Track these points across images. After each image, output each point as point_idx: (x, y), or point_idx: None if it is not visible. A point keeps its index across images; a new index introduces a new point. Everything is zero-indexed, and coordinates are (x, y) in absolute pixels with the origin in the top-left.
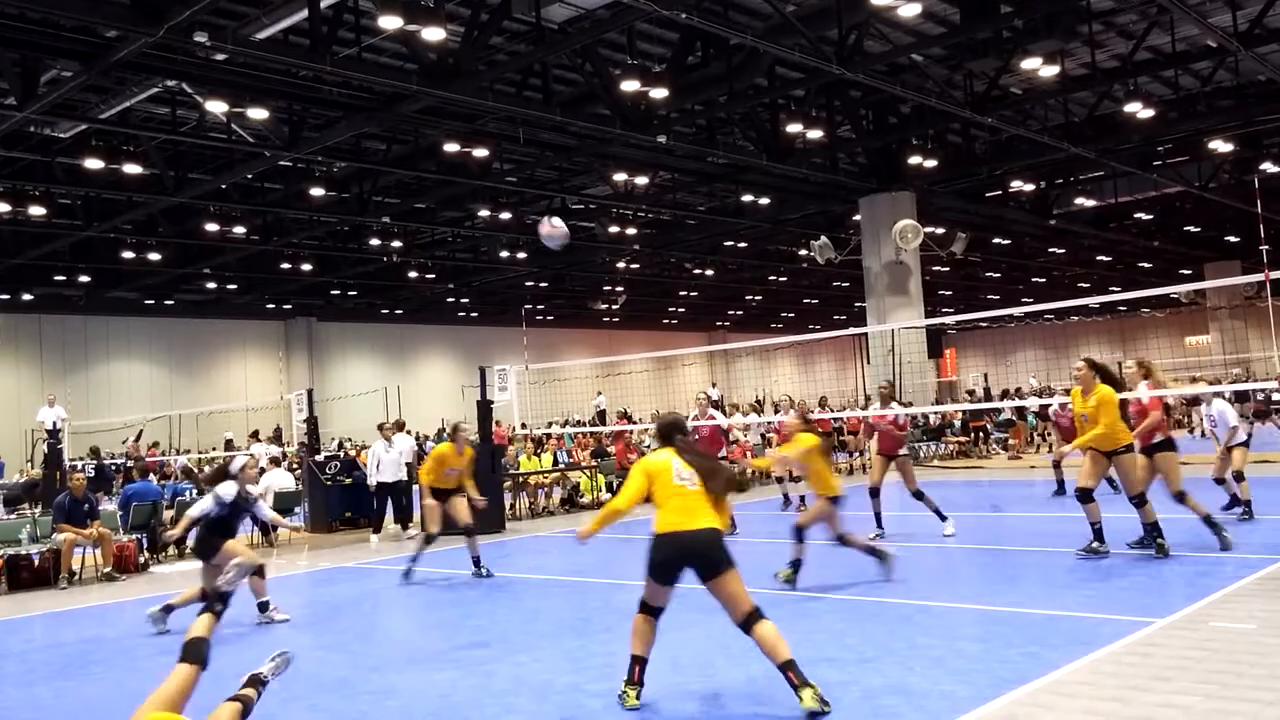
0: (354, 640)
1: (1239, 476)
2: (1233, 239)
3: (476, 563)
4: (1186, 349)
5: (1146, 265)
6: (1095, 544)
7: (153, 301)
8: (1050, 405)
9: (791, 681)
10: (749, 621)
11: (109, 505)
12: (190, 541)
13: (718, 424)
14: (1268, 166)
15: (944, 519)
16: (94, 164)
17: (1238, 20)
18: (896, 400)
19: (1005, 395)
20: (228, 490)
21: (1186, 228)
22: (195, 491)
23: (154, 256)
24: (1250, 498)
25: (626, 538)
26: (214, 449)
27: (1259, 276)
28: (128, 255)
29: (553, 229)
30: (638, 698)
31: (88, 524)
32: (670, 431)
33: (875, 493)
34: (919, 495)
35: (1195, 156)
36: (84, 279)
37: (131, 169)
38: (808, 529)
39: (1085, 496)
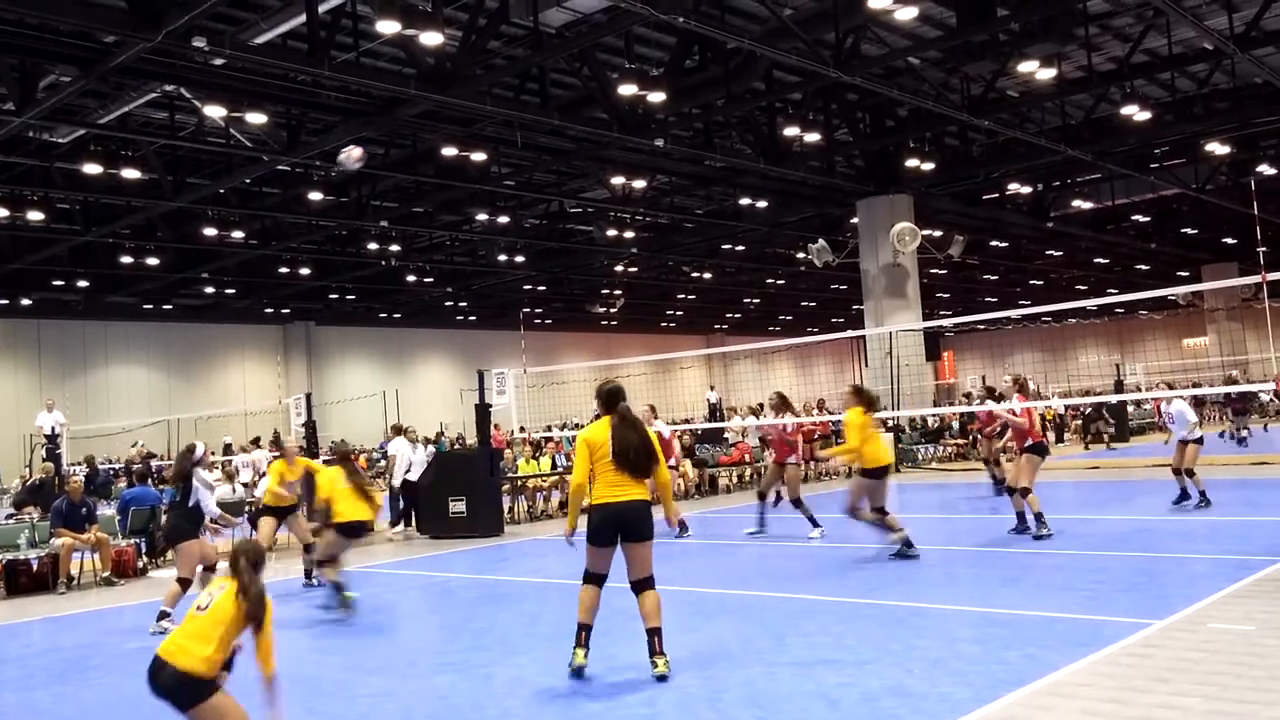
0: (353, 644)
1: (1189, 472)
2: (1230, 241)
3: (308, 574)
4: (1184, 351)
5: (1144, 267)
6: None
7: (151, 306)
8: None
9: (653, 646)
10: (641, 586)
11: (107, 510)
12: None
13: (659, 433)
14: (1264, 169)
15: (806, 523)
16: (92, 169)
17: (1234, 23)
18: (791, 409)
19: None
20: (205, 475)
21: (1183, 230)
22: None
23: (152, 261)
24: (1203, 488)
25: None
26: (213, 454)
27: (1256, 278)
28: (126, 260)
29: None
30: (584, 658)
31: (85, 529)
32: (612, 401)
33: (763, 496)
34: (797, 503)
35: (1192, 159)
36: (82, 284)
37: (130, 174)
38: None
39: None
